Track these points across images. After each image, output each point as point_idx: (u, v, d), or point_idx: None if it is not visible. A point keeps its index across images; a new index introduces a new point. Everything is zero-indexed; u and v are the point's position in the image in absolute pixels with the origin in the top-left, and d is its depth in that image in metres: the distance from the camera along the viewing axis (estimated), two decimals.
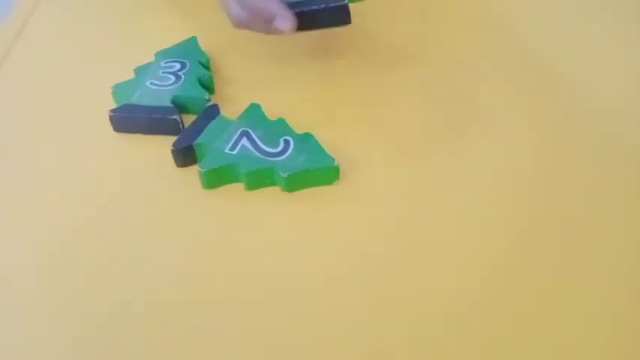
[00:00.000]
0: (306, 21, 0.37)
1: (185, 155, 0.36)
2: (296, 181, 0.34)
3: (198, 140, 0.36)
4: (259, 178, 0.35)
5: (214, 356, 0.28)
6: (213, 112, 0.38)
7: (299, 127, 0.36)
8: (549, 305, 0.29)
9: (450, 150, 0.37)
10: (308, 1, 0.37)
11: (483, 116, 0.40)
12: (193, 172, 0.35)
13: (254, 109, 0.38)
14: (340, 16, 0.37)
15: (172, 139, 0.36)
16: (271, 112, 0.38)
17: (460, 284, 0.30)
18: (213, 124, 0.37)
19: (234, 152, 0.35)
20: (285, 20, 0.36)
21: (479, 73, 0.44)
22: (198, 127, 0.37)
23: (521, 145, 0.38)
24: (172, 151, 0.36)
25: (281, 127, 0.37)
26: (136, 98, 0.38)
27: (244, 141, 0.36)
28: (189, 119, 0.38)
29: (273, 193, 0.35)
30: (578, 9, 0.50)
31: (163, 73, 0.40)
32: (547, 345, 0.27)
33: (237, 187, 0.35)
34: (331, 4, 0.36)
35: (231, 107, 0.38)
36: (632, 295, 0.29)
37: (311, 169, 0.34)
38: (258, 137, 0.36)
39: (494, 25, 0.49)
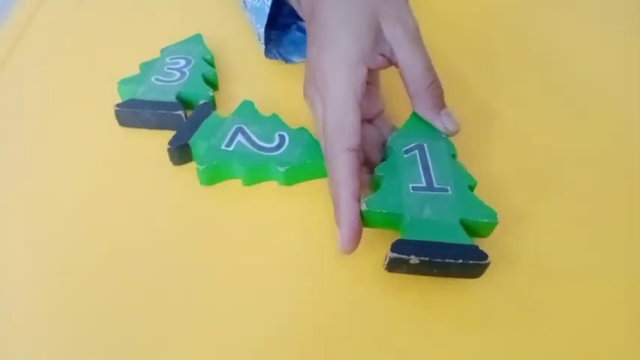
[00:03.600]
0: (427, 266, 0.29)
1: (181, 153, 0.36)
2: (294, 175, 0.35)
3: (194, 138, 0.36)
4: (257, 174, 0.35)
5: (213, 353, 0.28)
6: (206, 110, 0.38)
7: (306, 122, 0.36)
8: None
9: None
10: (435, 248, 0.28)
11: (492, 115, 0.41)
12: (192, 167, 0.35)
13: (247, 106, 0.38)
14: (472, 272, 0.29)
15: None
16: (276, 107, 0.38)
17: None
18: (207, 121, 0.37)
19: (231, 149, 0.35)
20: (345, 228, 0.29)
21: (484, 73, 0.45)
22: (193, 125, 0.37)
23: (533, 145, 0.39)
24: (168, 150, 0.36)
25: (275, 122, 0.37)
26: (141, 93, 0.39)
27: (240, 137, 0.36)
28: None
29: (271, 187, 0.36)
30: (578, 8, 0.53)
31: (168, 69, 0.41)
32: None
33: (235, 183, 0.36)
34: (471, 262, 0.28)
35: (235, 104, 0.38)
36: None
37: (308, 162, 0.35)
38: (253, 133, 0.36)
39: (494, 24, 0.51)
